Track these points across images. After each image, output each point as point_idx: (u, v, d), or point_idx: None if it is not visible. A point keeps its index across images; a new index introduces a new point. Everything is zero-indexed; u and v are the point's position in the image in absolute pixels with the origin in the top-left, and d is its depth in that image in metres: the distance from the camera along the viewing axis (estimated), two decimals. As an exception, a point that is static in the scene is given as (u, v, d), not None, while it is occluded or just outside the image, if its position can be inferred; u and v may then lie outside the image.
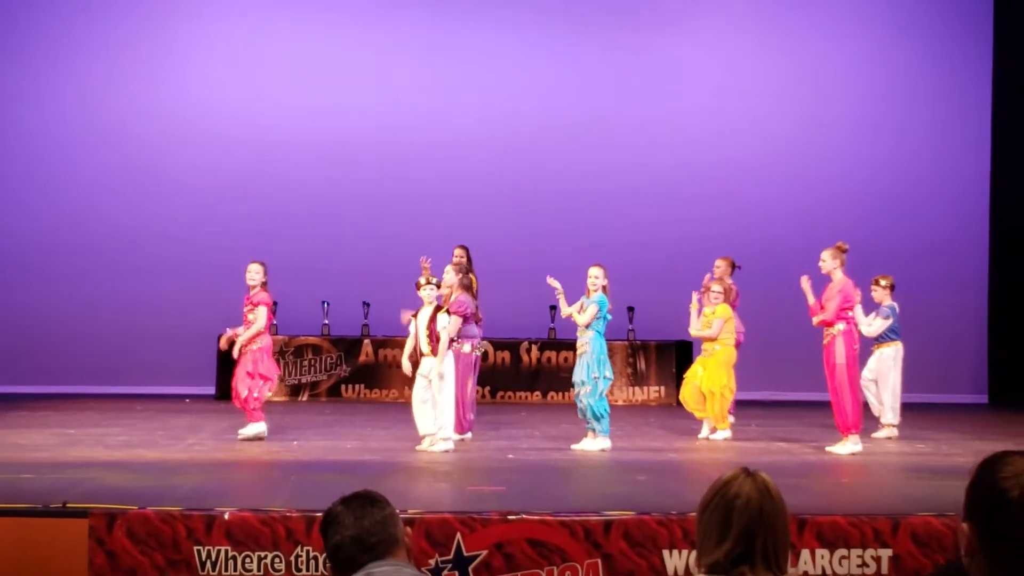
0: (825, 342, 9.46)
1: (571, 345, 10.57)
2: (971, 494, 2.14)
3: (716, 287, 10.40)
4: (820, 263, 9.53)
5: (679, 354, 13.68)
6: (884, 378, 10.59)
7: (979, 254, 15.11)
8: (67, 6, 14.72)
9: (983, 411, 14.28)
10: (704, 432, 10.29)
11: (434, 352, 8.98)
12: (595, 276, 9.44)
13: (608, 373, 9.44)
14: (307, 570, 5.90)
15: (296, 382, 13.68)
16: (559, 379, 13.39)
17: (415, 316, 9.20)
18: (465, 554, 5.92)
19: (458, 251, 10.98)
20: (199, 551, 5.90)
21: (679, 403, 11.07)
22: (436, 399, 8.99)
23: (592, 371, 9.35)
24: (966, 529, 2.13)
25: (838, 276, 9.45)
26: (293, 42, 14.88)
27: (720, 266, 10.96)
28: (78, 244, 14.48)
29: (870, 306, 10.70)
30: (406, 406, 9.71)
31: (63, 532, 5.93)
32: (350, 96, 14.81)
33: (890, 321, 10.50)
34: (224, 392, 13.22)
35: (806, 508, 6.26)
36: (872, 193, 15.00)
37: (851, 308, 9.44)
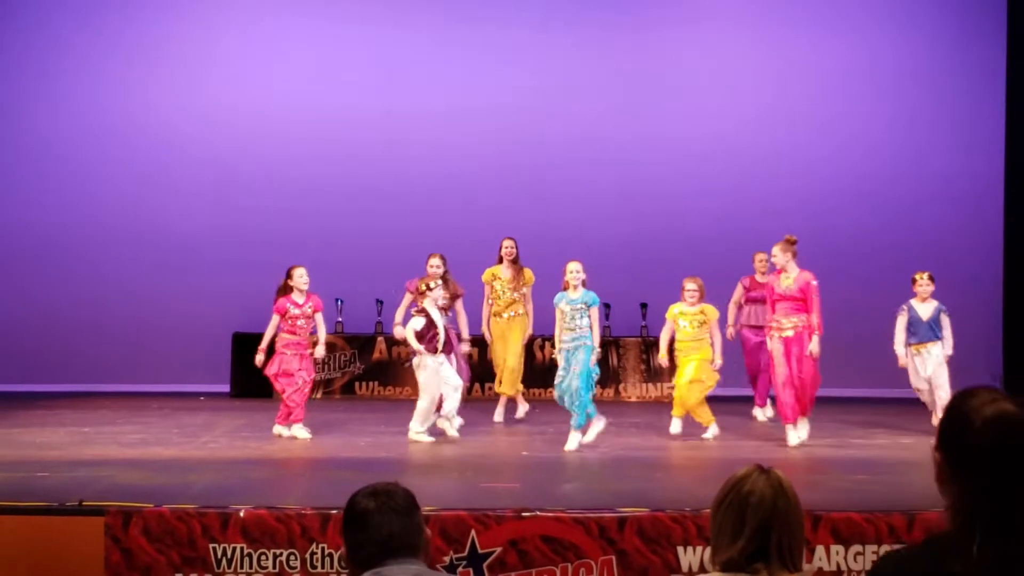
0: (791, 334, 9.40)
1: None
2: (942, 424, 2.33)
3: (691, 285, 10.10)
4: (772, 258, 9.54)
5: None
6: (938, 376, 10.53)
7: (993, 246, 15.02)
8: (81, 4, 14.75)
9: (998, 405, 14.19)
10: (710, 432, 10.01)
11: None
12: (575, 271, 9.43)
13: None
14: (322, 567, 5.91)
15: (310, 379, 13.67)
16: (573, 375, 13.34)
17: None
18: (480, 551, 5.93)
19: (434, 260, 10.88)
20: (214, 549, 5.93)
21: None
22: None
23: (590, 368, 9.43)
24: (938, 457, 2.30)
25: (795, 271, 9.45)
26: (302, 39, 14.86)
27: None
28: (93, 242, 14.50)
29: (904, 301, 10.69)
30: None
31: (79, 530, 5.96)
32: (363, 93, 14.78)
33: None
34: (239, 390, 13.28)
35: (820, 504, 6.25)
36: (884, 186, 14.92)
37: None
